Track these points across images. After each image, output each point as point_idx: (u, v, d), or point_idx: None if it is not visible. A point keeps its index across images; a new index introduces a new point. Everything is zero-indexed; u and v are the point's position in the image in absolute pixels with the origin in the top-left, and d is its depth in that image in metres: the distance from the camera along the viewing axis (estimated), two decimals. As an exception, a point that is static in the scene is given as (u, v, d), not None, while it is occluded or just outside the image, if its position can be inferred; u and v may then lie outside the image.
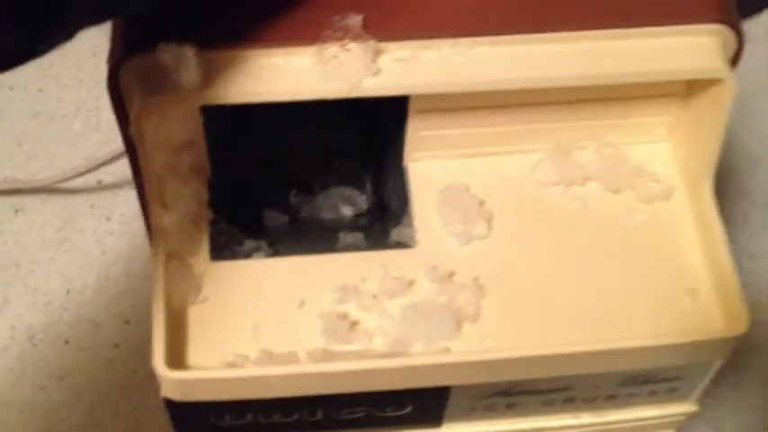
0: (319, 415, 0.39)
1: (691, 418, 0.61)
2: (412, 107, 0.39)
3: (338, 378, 0.36)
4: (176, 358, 0.36)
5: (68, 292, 0.74)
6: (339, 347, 0.37)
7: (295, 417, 0.39)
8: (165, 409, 0.38)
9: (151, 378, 0.71)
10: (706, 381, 0.40)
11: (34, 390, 0.69)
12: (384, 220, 0.41)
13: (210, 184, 0.40)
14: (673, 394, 0.41)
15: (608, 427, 0.43)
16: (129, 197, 0.78)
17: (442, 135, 0.41)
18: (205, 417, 0.38)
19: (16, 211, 0.78)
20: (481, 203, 0.40)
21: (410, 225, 0.40)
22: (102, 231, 0.77)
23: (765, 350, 0.70)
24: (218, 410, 0.37)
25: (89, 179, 0.79)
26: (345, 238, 0.40)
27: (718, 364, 0.39)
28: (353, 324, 0.38)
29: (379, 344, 0.37)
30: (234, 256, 0.39)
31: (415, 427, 0.41)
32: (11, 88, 0.85)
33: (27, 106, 0.84)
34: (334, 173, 0.42)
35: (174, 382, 0.35)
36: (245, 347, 0.37)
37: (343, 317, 0.38)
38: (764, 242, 0.75)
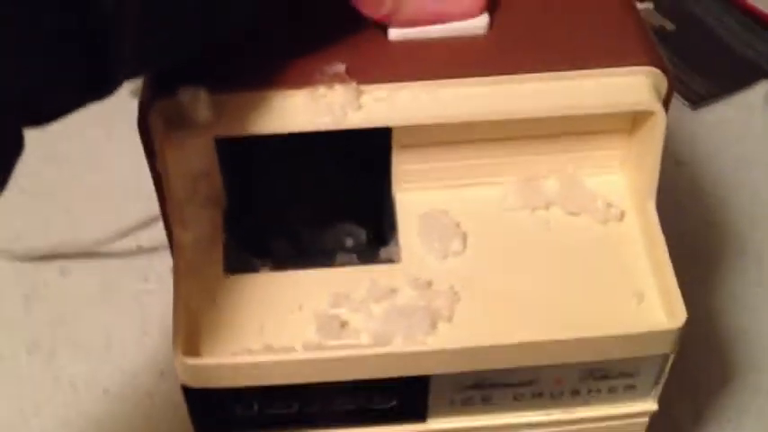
0: (316, 406, 0.45)
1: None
2: (395, 143, 0.46)
3: (328, 365, 0.42)
4: (192, 350, 0.42)
5: (108, 346, 0.80)
6: (330, 342, 0.43)
7: (295, 408, 0.45)
8: (186, 404, 0.44)
9: (182, 425, 0.77)
10: (661, 379, 0.46)
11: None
12: (375, 242, 0.47)
13: (225, 211, 0.47)
14: (632, 392, 0.46)
15: (578, 425, 0.48)
16: (165, 259, 0.85)
17: (422, 168, 0.47)
18: (216, 405, 0.44)
19: (62, 273, 0.85)
20: (457, 224, 0.47)
21: (396, 244, 0.47)
22: (140, 290, 0.84)
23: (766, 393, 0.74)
24: (227, 398, 0.43)
25: (129, 244, 0.86)
26: (342, 257, 0.47)
27: (668, 360, 0.45)
28: (344, 324, 0.44)
29: (364, 339, 0.43)
30: (243, 270, 0.46)
31: (403, 422, 0.46)
32: (65, 161, 0.93)
33: (77, 178, 0.92)
34: (336, 208, 0.49)
35: (188, 368, 0.41)
36: (251, 343, 0.43)
37: (335, 317, 0.44)
38: (760, 295, 0.80)
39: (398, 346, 0.42)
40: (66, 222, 0.88)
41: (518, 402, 0.46)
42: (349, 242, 0.47)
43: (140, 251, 0.86)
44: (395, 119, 0.43)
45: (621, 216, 0.48)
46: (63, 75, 0.33)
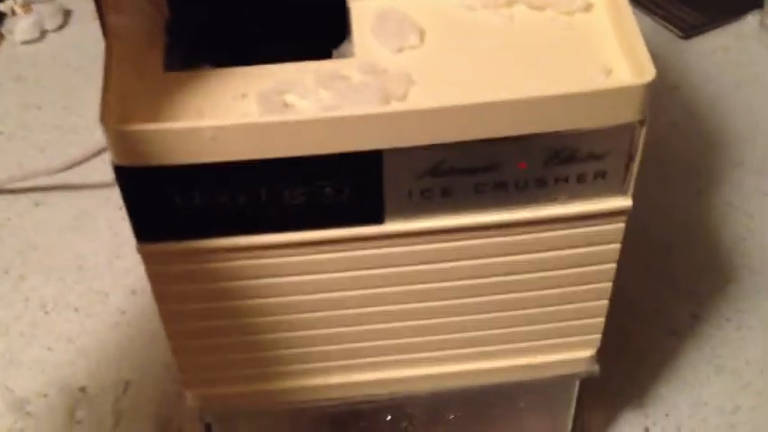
0: (263, 197, 0.41)
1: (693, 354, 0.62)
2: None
3: (270, 135, 0.39)
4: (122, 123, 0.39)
5: (80, 268, 0.77)
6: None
7: (241, 200, 0.41)
8: (120, 189, 0.40)
9: (155, 337, 0.73)
10: (632, 164, 0.42)
11: (42, 350, 0.72)
12: (326, 41, 0.44)
13: (167, 15, 0.44)
14: (602, 182, 0.42)
15: (547, 230, 0.44)
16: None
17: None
18: (153, 191, 0.40)
19: (36, 205, 0.83)
20: (414, 21, 0.44)
21: (349, 42, 0.44)
22: (115, 218, 0.81)
23: (766, 294, 0.70)
24: (164, 181, 0.40)
25: (106, 177, 0.84)
26: (290, 56, 0.44)
27: (639, 135, 0.41)
28: (289, 105, 0.41)
29: (310, 112, 0.40)
30: (184, 68, 0.43)
31: (359, 223, 0.43)
32: (38, 107, 0.92)
33: (52, 120, 0.91)
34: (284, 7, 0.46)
35: (119, 137, 0.38)
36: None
37: (280, 99, 0.41)
38: (758, 203, 0.77)
39: (347, 110, 0.39)
40: (41, 158, 0.87)
41: (480, 196, 0.43)
42: (298, 41, 0.44)
43: (115, 183, 0.84)
44: None
45: (589, 7, 0.45)
46: None
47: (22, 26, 0.97)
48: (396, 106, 0.40)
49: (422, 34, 0.44)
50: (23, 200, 0.83)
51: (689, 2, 0.94)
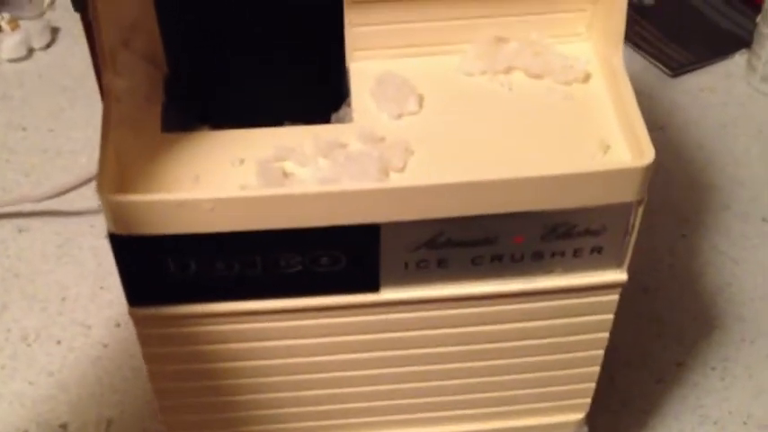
0: (258, 265, 0.41)
1: (677, 403, 0.62)
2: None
3: (268, 207, 0.39)
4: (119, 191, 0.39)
5: (64, 299, 0.77)
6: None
7: (236, 268, 0.41)
8: (114, 255, 0.40)
9: (137, 372, 0.73)
10: (629, 241, 0.42)
11: (23, 384, 0.71)
12: (325, 105, 0.44)
13: (166, 74, 0.44)
14: (598, 257, 0.43)
15: (542, 301, 0.44)
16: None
17: (377, 31, 0.45)
18: (147, 258, 0.40)
19: (20, 231, 0.82)
20: (413, 86, 0.44)
21: (348, 106, 0.44)
22: (99, 247, 0.81)
23: (750, 343, 0.71)
24: (159, 249, 0.40)
25: (90, 203, 0.83)
26: (289, 119, 0.44)
27: (636, 214, 0.41)
28: (288, 175, 0.41)
29: (310, 185, 0.40)
30: (182, 129, 0.42)
31: (355, 291, 0.43)
32: (24, 129, 0.91)
33: (38, 143, 0.90)
34: (284, 69, 0.46)
35: (115, 207, 0.38)
36: (184, 191, 0.40)
37: (279, 167, 0.41)
38: (743, 249, 0.78)
39: (346, 185, 0.39)
40: (26, 183, 0.86)
41: (476, 268, 0.42)
42: (297, 105, 0.44)
43: (100, 210, 0.83)
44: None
45: (587, 78, 0.45)
46: None
47: (8, 44, 0.96)
48: (394, 181, 0.40)
49: (421, 100, 0.44)
50: (7, 225, 0.82)
51: (678, 40, 0.95)
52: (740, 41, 0.95)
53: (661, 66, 0.93)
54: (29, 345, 0.73)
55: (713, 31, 0.97)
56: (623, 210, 0.41)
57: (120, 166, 0.40)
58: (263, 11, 0.43)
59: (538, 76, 0.45)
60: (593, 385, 0.49)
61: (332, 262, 0.41)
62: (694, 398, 0.68)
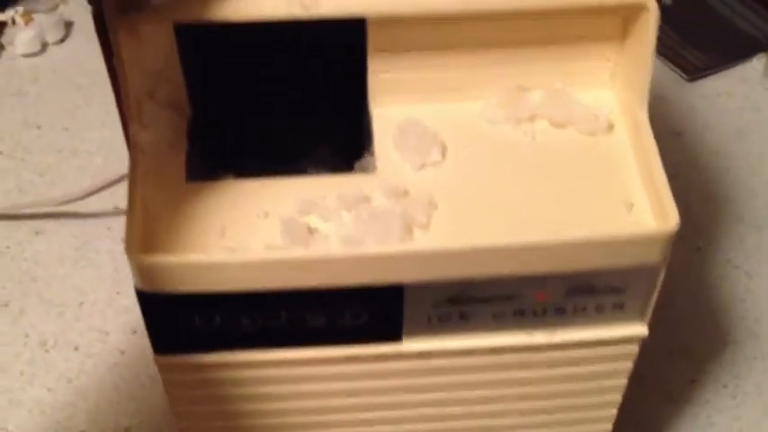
0: (283, 319, 0.41)
1: (689, 421, 0.62)
2: (370, 43, 0.43)
3: (294, 268, 0.39)
4: (147, 250, 0.39)
5: (81, 304, 0.77)
6: (297, 247, 0.40)
7: (260, 322, 0.41)
8: (141, 309, 0.41)
9: (154, 381, 0.74)
10: (651, 298, 0.43)
11: (42, 391, 0.72)
12: (348, 153, 0.44)
13: (189, 119, 0.44)
14: (620, 312, 0.43)
15: (563, 351, 0.44)
16: (143, 218, 0.83)
17: (400, 79, 0.45)
18: (174, 314, 0.41)
19: (36, 234, 0.82)
20: (435, 135, 0.44)
21: (371, 154, 0.44)
22: (116, 251, 0.81)
23: (762, 361, 0.71)
24: (185, 306, 0.40)
25: (107, 205, 0.83)
26: (311, 169, 0.44)
27: (659, 274, 0.41)
28: (312, 230, 0.41)
29: (334, 244, 0.40)
30: (206, 178, 0.43)
31: (377, 342, 0.43)
32: (38, 127, 0.91)
33: (53, 142, 0.90)
34: (307, 115, 0.46)
35: (143, 267, 0.38)
36: (211, 247, 0.40)
37: (303, 223, 0.41)
38: (758, 262, 0.78)
39: (370, 248, 0.39)
40: (41, 184, 0.86)
41: (498, 321, 0.43)
42: (320, 153, 0.44)
43: (117, 212, 0.84)
44: (370, 7, 0.40)
45: (610, 128, 0.45)
46: None
47: (22, 39, 0.96)
48: (418, 244, 0.40)
49: (444, 149, 0.44)
50: (23, 227, 0.83)
51: (695, 43, 0.94)
52: (758, 45, 0.94)
53: (678, 70, 0.92)
54: (47, 350, 0.74)
55: (731, 33, 0.96)
56: (648, 270, 0.41)
57: (147, 218, 0.40)
58: (288, 59, 0.43)
59: (561, 126, 0.45)
60: (609, 426, 0.49)
61: (355, 317, 0.42)
62: (705, 416, 0.69)
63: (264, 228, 0.41)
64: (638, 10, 0.41)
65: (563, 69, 0.45)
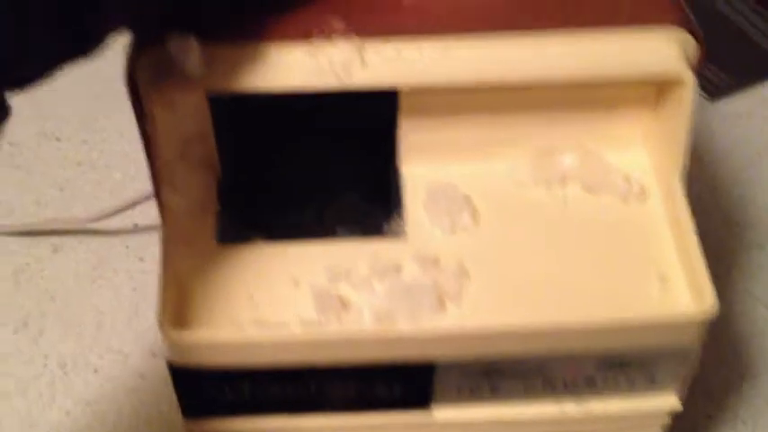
0: (312, 391, 0.41)
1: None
2: (402, 108, 0.42)
3: (327, 345, 0.39)
4: (179, 323, 0.39)
5: (99, 325, 0.77)
6: (331, 320, 0.40)
7: (290, 392, 0.41)
8: (171, 379, 0.41)
9: (173, 407, 0.74)
10: (685, 372, 0.42)
11: (61, 414, 0.72)
12: (378, 216, 0.44)
13: (220, 179, 0.44)
14: (652, 385, 0.43)
15: (593, 424, 0.44)
16: (162, 238, 0.83)
17: (431, 139, 0.44)
18: (204, 385, 0.41)
19: (55, 251, 0.82)
20: (466, 198, 0.44)
21: (401, 218, 0.44)
22: (134, 270, 0.81)
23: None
24: (216, 379, 0.40)
25: (125, 222, 0.83)
26: (342, 231, 0.44)
27: (693, 352, 0.41)
28: (344, 301, 0.41)
29: (367, 318, 0.40)
30: (237, 240, 0.42)
31: (406, 410, 0.43)
32: (57, 139, 0.91)
33: (72, 155, 0.90)
34: (337, 178, 0.46)
35: (175, 343, 0.38)
36: (242, 319, 0.40)
37: (335, 295, 0.41)
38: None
39: (403, 327, 0.39)
40: (60, 199, 0.86)
41: (528, 392, 0.43)
42: (350, 215, 0.44)
43: (136, 230, 0.83)
44: (403, 80, 0.40)
45: (644, 195, 0.44)
46: (41, 31, 0.31)
47: (40, 48, 0.95)
48: (450, 323, 0.40)
49: (474, 213, 0.44)
50: (42, 243, 0.82)
51: (717, 61, 0.93)
52: (781, 64, 0.93)
53: (699, 89, 0.92)
54: (66, 373, 0.74)
55: (754, 51, 0.95)
56: (682, 348, 0.41)
57: (178, 284, 0.40)
58: (318, 123, 0.43)
59: (593, 190, 0.44)
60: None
61: (386, 388, 0.42)
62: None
63: (295, 297, 0.41)
64: (675, 83, 0.41)
65: (595, 130, 0.45)
